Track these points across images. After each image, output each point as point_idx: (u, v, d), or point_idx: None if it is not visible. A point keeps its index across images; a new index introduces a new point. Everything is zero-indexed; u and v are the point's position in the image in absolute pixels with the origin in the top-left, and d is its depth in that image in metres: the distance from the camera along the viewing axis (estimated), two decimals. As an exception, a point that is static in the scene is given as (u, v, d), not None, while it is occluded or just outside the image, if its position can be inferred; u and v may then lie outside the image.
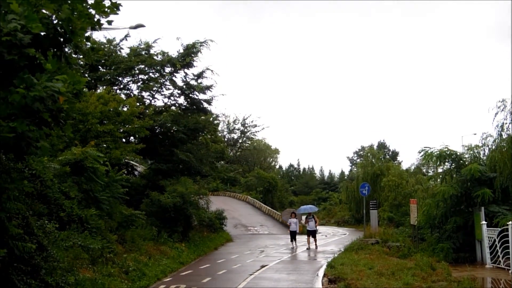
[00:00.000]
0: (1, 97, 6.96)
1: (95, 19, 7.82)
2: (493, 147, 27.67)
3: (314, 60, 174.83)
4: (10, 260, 10.77)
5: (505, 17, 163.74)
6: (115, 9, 7.79)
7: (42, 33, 7.41)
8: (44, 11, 7.48)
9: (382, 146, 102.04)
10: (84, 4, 7.67)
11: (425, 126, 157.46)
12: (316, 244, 34.24)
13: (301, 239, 36.46)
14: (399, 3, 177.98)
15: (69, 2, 7.56)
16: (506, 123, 26.41)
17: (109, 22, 7.97)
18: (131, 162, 37.18)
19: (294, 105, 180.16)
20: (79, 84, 7.70)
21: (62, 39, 7.70)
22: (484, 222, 24.47)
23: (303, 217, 41.69)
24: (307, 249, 32.87)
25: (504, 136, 26.55)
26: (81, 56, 20.36)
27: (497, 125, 26.72)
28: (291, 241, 34.93)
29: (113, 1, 7.77)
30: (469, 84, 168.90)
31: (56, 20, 7.60)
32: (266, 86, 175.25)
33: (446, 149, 28.69)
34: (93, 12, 7.77)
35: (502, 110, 26.26)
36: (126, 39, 37.64)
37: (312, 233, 34.36)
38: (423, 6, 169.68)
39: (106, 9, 7.77)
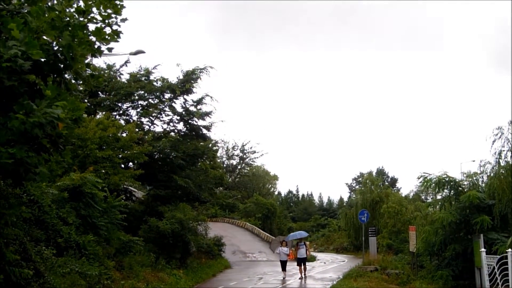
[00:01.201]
0: (1, 122, 6.98)
1: (96, 46, 7.88)
2: (492, 174, 27.62)
3: (313, 87, 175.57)
4: (7, 287, 10.71)
5: (504, 47, 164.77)
6: (115, 36, 7.86)
7: (42, 59, 7.45)
8: (45, 37, 7.54)
9: (381, 172, 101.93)
10: (85, 31, 7.73)
11: (424, 153, 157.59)
12: (305, 273, 32.30)
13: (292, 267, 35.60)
14: (398, 37, 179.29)
15: (70, 29, 7.61)
16: (504, 151, 26.42)
17: (110, 50, 8.03)
18: (130, 187, 37.10)
19: (293, 132, 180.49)
20: (78, 110, 7.74)
21: (62, 66, 7.74)
22: (483, 249, 24.34)
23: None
24: (299, 278, 31.34)
25: (502, 163, 26.53)
26: (81, 82, 20.43)
27: (495, 153, 26.73)
28: (283, 270, 32.56)
29: (114, 28, 7.84)
30: (467, 111, 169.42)
31: (57, 47, 7.65)
32: (266, 112, 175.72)
33: (445, 176, 28.64)
34: (93, 39, 7.83)
35: (500, 137, 26.29)
36: (126, 65, 37.85)
37: (303, 261, 32.37)
38: (423, 40, 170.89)
39: (107, 37, 7.84)
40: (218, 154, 74.59)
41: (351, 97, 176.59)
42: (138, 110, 37.79)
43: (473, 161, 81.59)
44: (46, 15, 7.53)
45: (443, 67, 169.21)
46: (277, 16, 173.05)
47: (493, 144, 26.55)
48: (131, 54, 29.80)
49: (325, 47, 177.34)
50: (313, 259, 49.63)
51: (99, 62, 70.05)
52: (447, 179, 28.60)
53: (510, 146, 26.14)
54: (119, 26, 7.92)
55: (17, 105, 6.83)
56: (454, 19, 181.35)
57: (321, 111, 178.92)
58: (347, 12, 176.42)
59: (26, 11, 7.66)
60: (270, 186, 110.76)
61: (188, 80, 37.49)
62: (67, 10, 7.81)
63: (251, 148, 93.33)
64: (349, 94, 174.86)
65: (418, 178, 30.15)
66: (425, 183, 29.50)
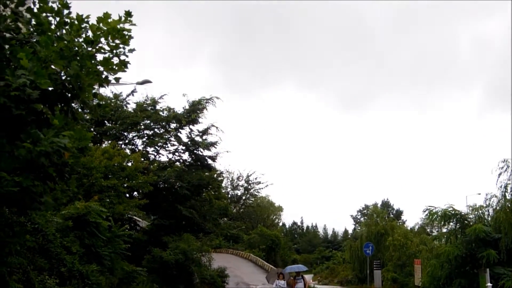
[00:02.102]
0: (7, 151, 7.00)
1: (103, 76, 7.92)
2: (498, 207, 27.52)
3: (319, 118, 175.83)
4: (9, 316, 10.64)
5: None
6: (123, 66, 7.91)
7: (50, 88, 7.49)
8: (53, 66, 7.59)
9: (386, 205, 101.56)
10: (93, 61, 7.78)
11: (429, 185, 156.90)
12: None
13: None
14: (405, 72, 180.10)
15: (78, 58, 7.67)
16: (509, 184, 26.39)
17: (117, 79, 8.08)
18: (134, 217, 37.04)
19: (299, 163, 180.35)
20: (85, 140, 7.76)
21: (69, 95, 7.78)
22: (489, 284, 24.12)
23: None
24: None
25: (508, 196, 26.46)
26: (88, 111, 20.54)
27: (500, 186, 26.70)
28: None
29: (122, 58, 7.89)
30: (473, 143, 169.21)
31: (65, 76, 7.70)
32: (271, 143, 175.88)
33: (450, 209, 28.54)
34: (101, 69, 7.89)
35: (505, 170, 26.28)
36: (133, 95, 38.08)
37: None
38: (428, 74, 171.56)
39: (114, 67, 7.88)
40: (223, 184, 74.61)
41: (357, 129, 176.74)
42: (144, 139, 37.88)
43: (479, 194, 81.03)
44: (55, 45, 7.60)
45: (447, 100, 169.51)
46: (284, 48, 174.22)
47: (499, 177, 26.54)
48: (138, 83, 29.98)
49: (332, 80, 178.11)
50: (317, 292, 49.06)
51: (106, 91, 70.61)
52: (452, 212, 28.48)
53: (516, 179, 26.11)
54: (127, 56, 7.97)
55: (25, 134, 6.86)
56: (457, 54, 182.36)
57: (327, 142, 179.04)
58: (354, 47, 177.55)
59: (35, 40, 7.73)
60: (274, 217, 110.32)
61: (194, 110, 37.64)
62: (76, 40, 7.88)
63: (256, 178, 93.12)
64: (355, 126, 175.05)
65: (424, 212, 30.08)
66: (431, 216, 29.39)
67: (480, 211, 29.30)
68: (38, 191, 7.56)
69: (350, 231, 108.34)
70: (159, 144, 38.03)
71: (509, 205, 26.24)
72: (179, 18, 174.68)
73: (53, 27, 7.96)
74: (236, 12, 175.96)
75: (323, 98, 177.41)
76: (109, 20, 7.87)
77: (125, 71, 7.94)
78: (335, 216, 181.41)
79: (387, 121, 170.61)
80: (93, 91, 8.03)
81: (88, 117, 28.53)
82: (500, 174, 26.43)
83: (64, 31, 7.96)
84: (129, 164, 29.78)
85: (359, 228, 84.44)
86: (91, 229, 20.84)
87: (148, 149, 38.07)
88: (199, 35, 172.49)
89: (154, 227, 36.84)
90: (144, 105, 37.95)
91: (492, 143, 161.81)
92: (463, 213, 28.94)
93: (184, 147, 38.59)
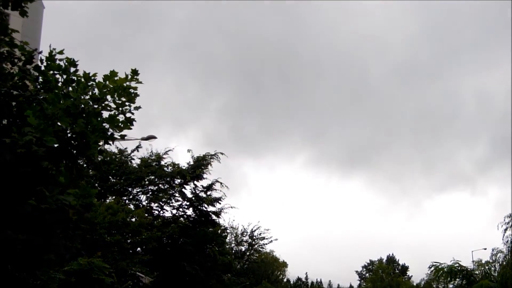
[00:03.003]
0: (13, 207, 7.02)
1: (109, 133, 8.01)
2: (504, 263, 27.28)
3: (324, 172, 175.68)
4: None
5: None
6: (129, 124, 8.00)
7: (56, 145, 7.56)
8: (59, 123, 7.68)
9: (391, 260, 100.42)
10: (99, 119, 7.88)
11: (435, 239, 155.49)
12: None
13: None
14: (407, 122, 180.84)
15: (84, 116, 7.77)
16: (516, 239, 26.21)
17: (122, 137, 8.16)
18: (137, 273, 36.68)
19: (304, 218, 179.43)
20: (89, 196, 7.80)
21: (75, 152, 7.85)
22: None
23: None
24: None
25: (515, 252, 26.26)
26: (93, 167, 20.64)
27: (507, 241, 26.56)
28: None
29: (128, 116, 7.99)
30: (478, 198, 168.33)
31: (71, 133, 7.78)
32: (277, 199, 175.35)
33: (456, 265, 28.32)
34: (107, 126, 7.97)
35: (511, 226, 26.16)
36: (138, 150, 38.16)
37: None
38: (432, 124, 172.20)
39: (120, 124, 7.98)
40: (227, 240, 74.02)
41: (362, 184, 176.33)
42: (148, 195, 37.83)
43: (485, 249, 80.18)
44: (62, 102, 7.71)
45: (451, 153, 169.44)
46: (289, 101, 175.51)
47: (505, 232, 26.44)
48: (143, 139, 30.15)
49: (337, 132, 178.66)
50: None
51: (111, 146, 71.01)
52: (458, 268, 28.26)
53: (522, 234, 25.97)
54: (132, 114, 8.08)
55: (30, 191, 6.90)
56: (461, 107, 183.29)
57: (332, 196, 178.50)
58: (358, 98, 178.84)
59: (42, 97, 7.84)
60: (279, 273, 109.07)
61: (199, 166, 37.72)
62: (82, 97, 7.99)
63: (260, 234, 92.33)
64: (361, 180, 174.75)
65: (429, 268, 29.82)
66: (437, 272, 29.15)
67: (487, 267, 29.07)
68: (42, 248, 7.55)
69: (355, 287, 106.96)
70: (163, 199, 37.97)
71: (516, 260, 26.00)
72: (186, 72, 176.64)
73: (60, 84, 8.09)
74: (241, 68, 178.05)
75: (327, 152, 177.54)
76: (116, 78, 8.00)
77: (130, 128, 8.03)
78: (339, 272, 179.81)
79: (391, 174, 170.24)
80: (99, 148, 8.10)
81: (92, 172, 28.63)
82: (506, 230, 26.34)
83: (70, 89, 8.09)
84: (133, 219, 29.69)
85: (364, 284, 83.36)
86: (94, 286, 20.65)
87: (152, 204, 37.98)
88: (206, 89, 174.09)
89: (157, 284, 36.44)
90: (149, 161, 38.04)
91: (497, 197, 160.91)
92: (469, 269, 28.71)
93: (188, 203, 38.50)
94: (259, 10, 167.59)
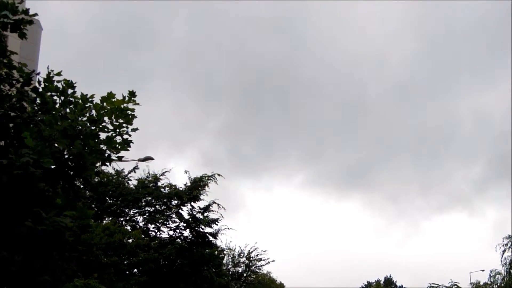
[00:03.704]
0: (9, 229, 7.01)
1: (106, 155, 8.02)
2: (502, 284, 27.22)
3: (320, 194, 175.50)
4: None
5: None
6: (126, 145, 8.02)
7: (53, 166, 7.56)
8: (56, 145, 7.69)
9: (388, 281, 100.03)
10: (96, 140, 7.90)
11: (432, 261, 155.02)
12: None
13: None
14: (405, 143, 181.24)
15: (81, 137, 7.78)
16: (514, 261, 26.15)
17: (120, 158, 8.18)
18: (134, 295, 36.50)
19: (301, 239, 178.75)
20: (86, 218, 7.79)
21: (72, 173, 7.86)
22: None
23: None
24: None
25: (513, 274, 26.19)
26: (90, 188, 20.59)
27: (505, 263, 26.54)
28: None
29: (125, 137, 8.01)
30: (476, 220, 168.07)
31: (68, 155, 7.79)
32: (274, 220, 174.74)
33: (455, 286, 28.18)
34: (104, 147, 7.99)
35: (510, 247, 26.13)
36: (135, 171, 38.07)
37: None
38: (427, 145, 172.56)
39: (117, 146, 8.00)
40: (224, 261, 73.69)
41: (359, 204, 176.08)
42: (145, 216, 37.73)
43: (483, 270, 79.97)
44: (59, 124, 7.73)
45: (450, 170, 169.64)
46: (287, 122, 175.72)
47: (503, 253, 26.43)
48: (140, 160, 30.16)
49: (334, 152, 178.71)
50: None
51: (108, 167, 70.89)
52: (457, 290, 28.11)
53: (520, 256, 25.92)
54: (129, 135, 8.09)
55: (26, 213, 6.90)
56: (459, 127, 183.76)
57: (329, 218, 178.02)
58: (355, 117, 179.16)
59: (39, 119, 7.86)
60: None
61: (196, 187, 37.66)
62: (80, 118, 8.01)
63: (257, 255, 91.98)
64: (358, 201, 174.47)
65: (427, 290, 29.62)
66: (435, 294, 28.95)
67: (485, 289, 28.94)
68: (38, 270, 7.53)
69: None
70: (160, 220, 37.85)
71: (514, 282, 25.94)
72: (184, 91, 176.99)
73: (57, 106, 8.12)
74: (240, 88, 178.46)
75: (324, 172, 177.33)
76: (113, 100, 8.03)
77: (128, 150, 8.05)
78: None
79: (388, 195, 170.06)
80: (96, 169, 8.10)
81: (89, 194, 28.58)
82: (504, 251, 26.31)
83: (68, 110, 8.11)
84: (130, 240, 29.59)
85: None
86: (90, 308, 20.53)
87: (149, 225, 37.85)
88: (205, 109, 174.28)
89: (154, 306, 36.22)
90: (146, 182, 37.96)
91: (495, 218, 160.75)
92: (467, 291, 28.56)
93: (185, 224, 38.35)
94: (257, 29, 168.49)
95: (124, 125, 8.07)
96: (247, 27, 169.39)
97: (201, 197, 38.15)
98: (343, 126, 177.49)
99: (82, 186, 9.20)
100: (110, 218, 33.61)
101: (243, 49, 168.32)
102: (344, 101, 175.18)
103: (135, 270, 33.13)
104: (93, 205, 33.43)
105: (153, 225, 38.09)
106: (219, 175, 38.63)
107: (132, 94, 8.15)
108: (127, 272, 30.71)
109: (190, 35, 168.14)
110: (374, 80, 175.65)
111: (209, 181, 38.14)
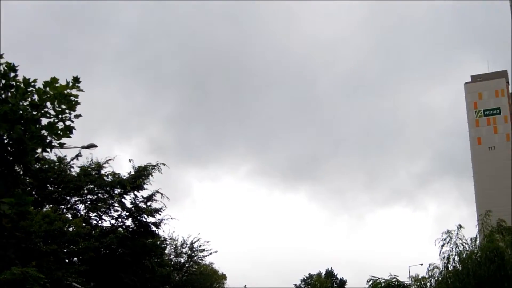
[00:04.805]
0: None
1: (47, 141, 7.84)
2: (440, 278, 27.81)
3: (265, 186, 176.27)
4: None
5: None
6: (68, 132, 7.85)
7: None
8: (-5, 129, 7.48)
9: (330, 274, 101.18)
10: (38, 126, 7.71)
11: (374, 255, 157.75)
12: None
13: None
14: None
15: (22, 122, 7.58)
16: (452, 255, 26.76)
17: (61, 144, 8.01)
18: (73, 283, 35.93)
19: (243, 231, 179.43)
20: (25, 205, 7.60)
21: (11, 158, 7.66)
22: None
23: None
24: None
25: (450, 268, 26.80)
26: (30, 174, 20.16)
27: (443, 257, 27.08)
28: None
29: (67, 124, 7.84)
30: (418, 214, 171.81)
31: (7, 139, 7.59)
32: (218, 211, 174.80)
33: (394, 280, 28.74)
34: (45, 133, 7.80)
35: (448, 242, 26.71)
36: (77, 158, 37.46)
37: None
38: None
39: (59, 132, 7.82)
40: (166, 251, 73.30)
41: (305, 196, 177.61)
42: (87, 204, 37.21)
43: (421, 264, 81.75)
44: (-1, 108, 7.51)
45: (393, 169, 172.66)
46: (236, 111, 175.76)
47: (441, 248, 26.96)
48: (83, 147, 29.69)
49: (282, 142, 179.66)
50: None
51: (49, 154, 69.55)
52: (396, 283, 28.68)
53: (458, 250, 26.52)
54: (72, 122, 7.93)
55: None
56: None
57: (272, 209, 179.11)
58: (304, 109, 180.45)
59: (-22, 103, 7.63)
60: (218, 285, 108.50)
61: (140, 176, 37.36)
62: (21, 103, 7.80)
63: (200, 246, 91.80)
64: (304, 193, 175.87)
65: (368, 282, 30.13)
66: (374, 287, 29.46)
67: (423, 282, 29.52)
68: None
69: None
70: (102, 209, 37.40)
71: (450, 276, 26.53)
72: (132, 78, 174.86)
73: (-2, 89, 7.88)
74: (189, 75, 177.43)
75: (271, 162, 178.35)
76: (56, 85, 7.84)
77: (70, 136, 7.88)
78: (279, 285, 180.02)
79: (334, 187, 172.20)
80: (36, 155, 7.92)
81: (29, 180, 27.96)
82: (443, 246, 26.87)
83: (9, 94, 7.88)
84: (70, 229, 29.15)
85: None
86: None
87: (91, 214, 37.36)
88: (153, 96, 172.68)
89: (93, 295, 35.78)
90: (89, 169, 37.43)
91: (436, 212, 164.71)
92: (406, 284, 29.15)
93: (127, 213, 38.02)
94: (208, 16, 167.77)
95: (67, 111, 7.89)
96: (198, 15, 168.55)
97: (145, 186, 37.89)
98: (291, 118, 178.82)
99: (21, 172, 8.98)
100: (51, 206, 33.02)
101: (193, 37, 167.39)
102: (293, 93, 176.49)
103: (75, 259, 32.68)
104: (33, 192, 32.76)
105: (94, 214, 37.64)
106: (163, 164, 38.43)
107: (76, 80, 7.98)
108: (67, 261, 30.27)
109: (139, 21, 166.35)
110: (325, 72, 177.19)
111: (153, 170, 37.90)
